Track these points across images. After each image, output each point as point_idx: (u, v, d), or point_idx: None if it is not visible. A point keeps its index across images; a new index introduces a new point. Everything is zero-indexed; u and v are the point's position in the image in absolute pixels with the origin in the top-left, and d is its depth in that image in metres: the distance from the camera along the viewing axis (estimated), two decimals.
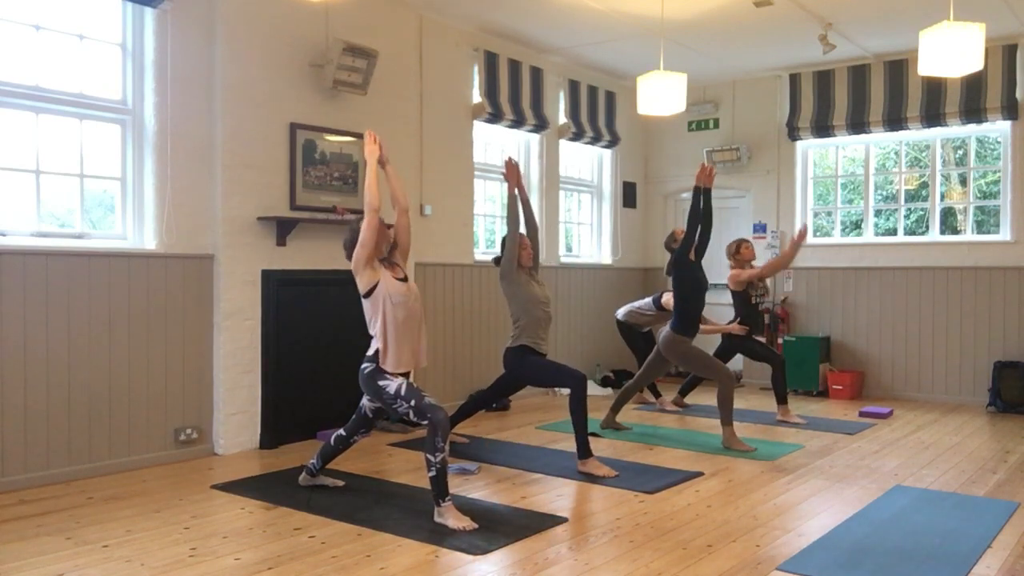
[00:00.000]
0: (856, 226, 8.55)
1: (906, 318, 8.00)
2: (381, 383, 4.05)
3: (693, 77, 7.96)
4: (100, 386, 4.80)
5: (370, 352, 4.12)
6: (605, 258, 9.11)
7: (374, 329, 4.11)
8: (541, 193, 8.14)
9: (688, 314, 5.76)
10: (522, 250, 5.13)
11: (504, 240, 5.19)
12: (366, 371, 4.11)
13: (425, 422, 3.90)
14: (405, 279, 4.23)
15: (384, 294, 4.06)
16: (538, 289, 5.15)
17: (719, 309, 9.21)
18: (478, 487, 4.56)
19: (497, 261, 5.24)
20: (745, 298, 6.75)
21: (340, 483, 4.51)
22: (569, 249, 8.83)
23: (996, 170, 7.95)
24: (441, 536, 3.68)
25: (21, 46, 4.62)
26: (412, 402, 3.96)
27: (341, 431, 4.40)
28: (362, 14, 6.10)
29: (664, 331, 5.99)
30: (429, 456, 3.84)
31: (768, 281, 8.61)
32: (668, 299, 7.01)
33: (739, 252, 6.81)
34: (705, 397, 7.61)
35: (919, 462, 5.28)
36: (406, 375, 4.13)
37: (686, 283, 5.75)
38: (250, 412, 5.48)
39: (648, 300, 7.29)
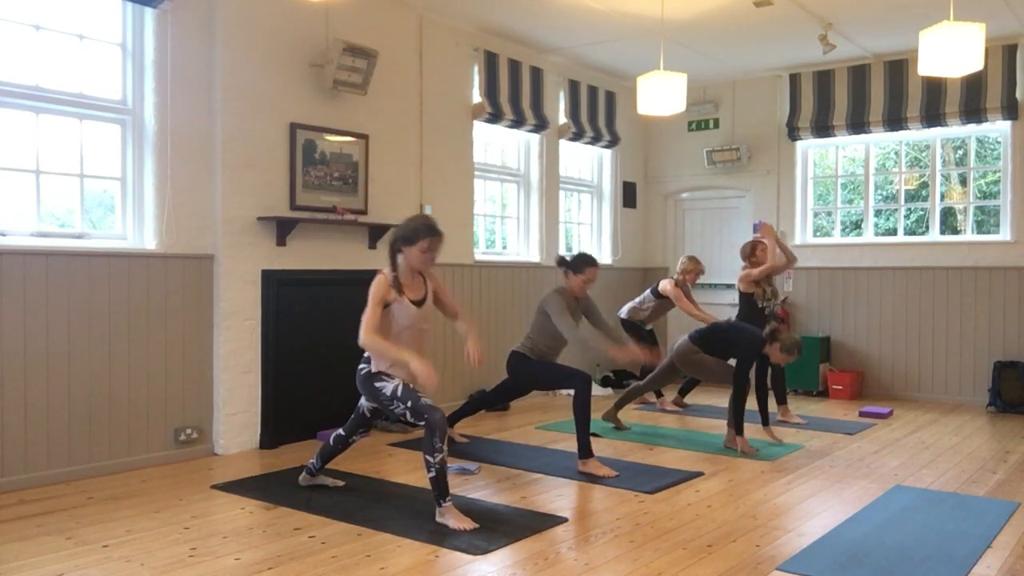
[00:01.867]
0: (856, 226, 8.55)
1: (906, 318, 8.00)
2: (377, 384, 4.05)
3: (693, 77, 7.96)
4: (100, 386, 4.80)
5: (367, 353, 4.12)
6: (605, 258, 9.10)
7: None
8: (541, 193, 8.14)
9: (718, 332, 5.92)
10: (585, 282, 5.12)
11: (574, 261, 5.14)
12: (363, 372, 4.11)
13: (422, 423, 3.89)
14: (422, 301, 4.17)
15: (395, 313, 4.06)
16: (572, 319, 5.08)
17: (724, 310, 9.22)
18: (478, 487, 4.56)
19: (561, 263, 5.20)
20: (752, 301, 6.72)
21: (340, 483, 4.51)
22: (569, 249, 8.82)
23: (996, 170, 7.95)
24: (441, 536, 3.68)
25: (21, 46, 4.62)
26: (408, 403, 3.95)
27: (340, 431, 4.40)
28: (362, 14, 6.10)
29: (681, 341, 5.98)
30: (428, 457, 3.83)
31: (777, 285, 8.62)
32: (664, 285, 7.08)
33: (754, 254, 6.76)
34: (705, 397, 7.61)
35: (919, 462, 5.28)
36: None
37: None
38: (250, 412, 5.48)
39: (646, 293, 7.28)
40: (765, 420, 5.76)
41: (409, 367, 3.85)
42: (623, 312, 7.37)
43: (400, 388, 4.00)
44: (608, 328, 5.34)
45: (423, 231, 4.11)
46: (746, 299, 6.72)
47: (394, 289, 4.05)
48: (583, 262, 5.14)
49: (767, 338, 5.54)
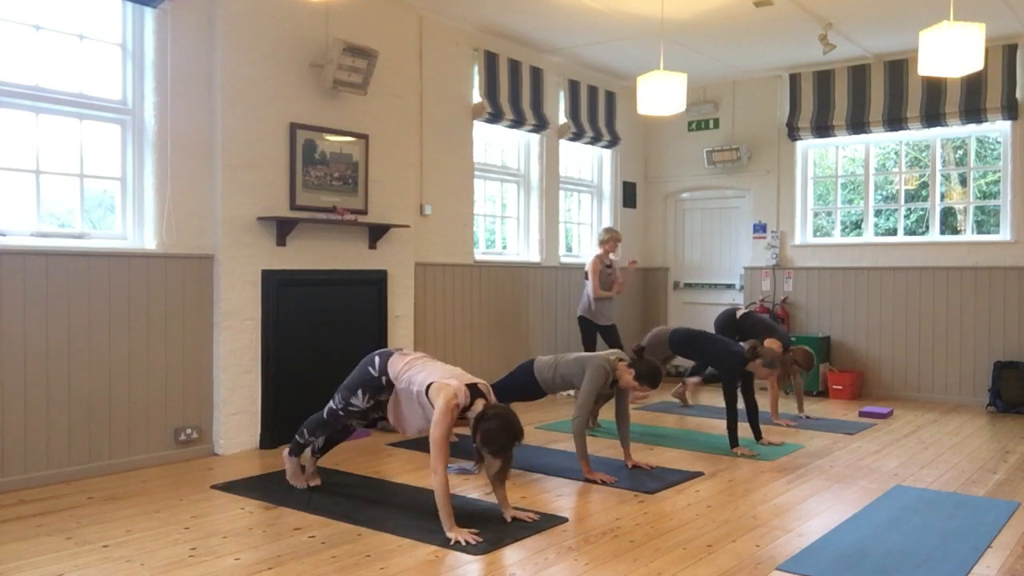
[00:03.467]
0: (856, 226, 8.55)
1: (906, 318, 8.00)
2: (371, 368, 4.14)
3: (693, 77, 7.97)
4: (100, 386, 4.80)
5: (385, 365, 4.12)
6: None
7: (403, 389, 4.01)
8: (541, 193, 8.14)
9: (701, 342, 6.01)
10: (636, 389, 4.86)
11: (645, 369, 4.80)
12: (374, 355, 4.20)
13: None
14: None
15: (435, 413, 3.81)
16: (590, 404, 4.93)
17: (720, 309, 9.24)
18: (478, 487, 4.55)
19: (637, 352, 4.88)
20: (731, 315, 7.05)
21: (317, 482, 4.55)
22: (569, 249, 8.83)
23: (996, 170, 7.95)
24: (441, 536, 3.67)
25: (21, 46, 4.62)
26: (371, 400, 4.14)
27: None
28: (362, 14, 6.10)
29: (661, 331, 6.23)
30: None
31: (767, 285, 8.65)
32: (587, 265, 7.50)
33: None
34: (706, 397, 7.60)
35: (919, 462, 5.28)
36: None
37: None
38: (250, 412, 5.48)
39: (586, 282, 7.55)
40: (758, 435, 5.71)
41: (445, 529, 3.69)
42: (579, 310, 7.58)
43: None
44: (624, 421, 5.05)
45: (496, 451, 3.75)
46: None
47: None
48: (652, 375, 4.78)
49: (748, 355, 5.52)
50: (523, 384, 5.16)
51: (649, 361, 4.86)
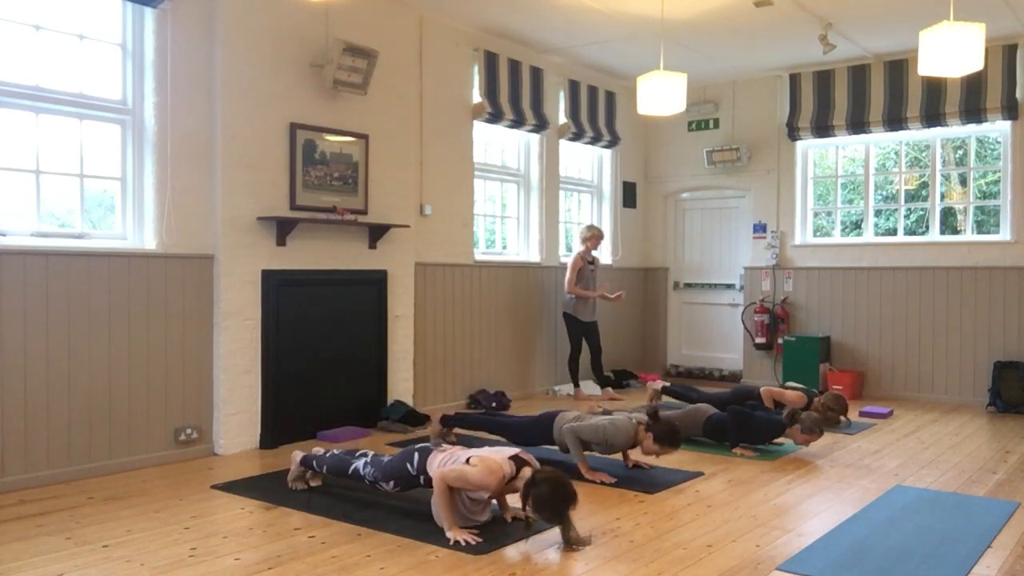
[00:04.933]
0: (856, 226, 8.55)
1: (906, 318, 8.00)
2: (408, 462, 3.95)
3: (693, 77, 7.96)
4: (100, 386, 4.80)
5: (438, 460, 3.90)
6: (605, 258, 9.10)
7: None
8: (541, 193, 8.14)
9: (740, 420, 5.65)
10: (657, 454, 4.75)
11: (663, 431, 4.68)
12: (421, 447, 4.02)
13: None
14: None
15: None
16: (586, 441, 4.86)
17: (724, 310, 9.24)
18: None
19: (652, 416, 4.75)
20: None
21: (318, 482, 4.48)
22: (569, 249, 8.81)
23: (996, 170, 7.95)
24: (441, 536, 3.67)
25: (21, 46, 4.62)
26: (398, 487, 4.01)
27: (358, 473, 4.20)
28: (362, 14, 6.10)
29: (700, 412, 5.80)
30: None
31: (767, 285, 8.65)
32: (567, 261, 7.87)
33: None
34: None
35: (919, 462, 5.28)
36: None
37: None
38: (250, 412, 5.48)
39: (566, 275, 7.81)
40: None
41: (445, 529, 3.68)
42: (564, 307, 7.87)
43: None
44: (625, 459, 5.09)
45: (551, 518, 3.54)
46: None
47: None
48: (671, 436, 4.65)
49: (787, 421, 5.40)
50: (538, 433, 5.04)
51: (665, 422, 4.71)
